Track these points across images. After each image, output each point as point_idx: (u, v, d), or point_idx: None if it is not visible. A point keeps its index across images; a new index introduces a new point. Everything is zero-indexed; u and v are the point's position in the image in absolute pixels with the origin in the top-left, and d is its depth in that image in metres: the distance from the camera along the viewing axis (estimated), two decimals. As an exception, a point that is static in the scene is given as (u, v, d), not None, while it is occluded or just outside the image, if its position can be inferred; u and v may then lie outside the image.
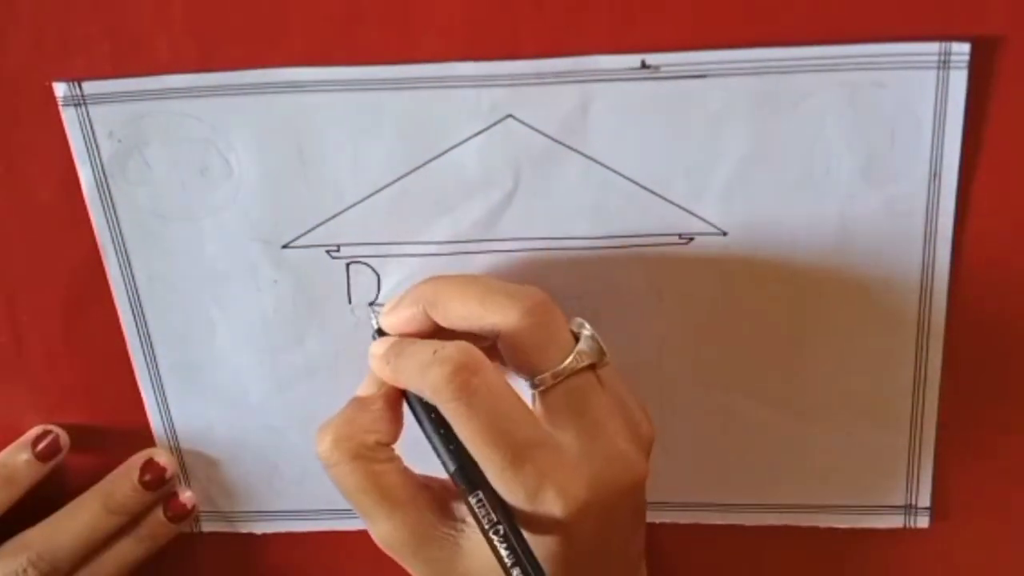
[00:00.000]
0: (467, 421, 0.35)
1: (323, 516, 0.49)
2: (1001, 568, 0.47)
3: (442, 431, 0.37)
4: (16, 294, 0.44)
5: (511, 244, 0.42)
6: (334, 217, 0.42)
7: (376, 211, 0.42)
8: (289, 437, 0.47)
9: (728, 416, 0.45)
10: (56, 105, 0.41)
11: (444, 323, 0.38)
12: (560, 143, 0.40)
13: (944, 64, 0.38)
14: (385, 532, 0.38)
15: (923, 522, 0.46)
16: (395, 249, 0.43)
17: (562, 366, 0.36)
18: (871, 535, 0.46)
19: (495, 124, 0.40)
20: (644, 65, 0.39)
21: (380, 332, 0.39)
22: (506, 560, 0.35)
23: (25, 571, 0.44)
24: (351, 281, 0.44)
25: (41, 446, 0.46)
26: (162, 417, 0.47)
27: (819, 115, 0.39)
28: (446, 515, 0.38)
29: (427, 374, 0.35)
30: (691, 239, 0.42)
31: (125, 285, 0.44)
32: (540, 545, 0.35)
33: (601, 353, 0.37)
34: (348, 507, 0.47)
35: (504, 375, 0.36)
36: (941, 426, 0.44)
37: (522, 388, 0.37)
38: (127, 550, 0.47)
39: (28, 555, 0.45)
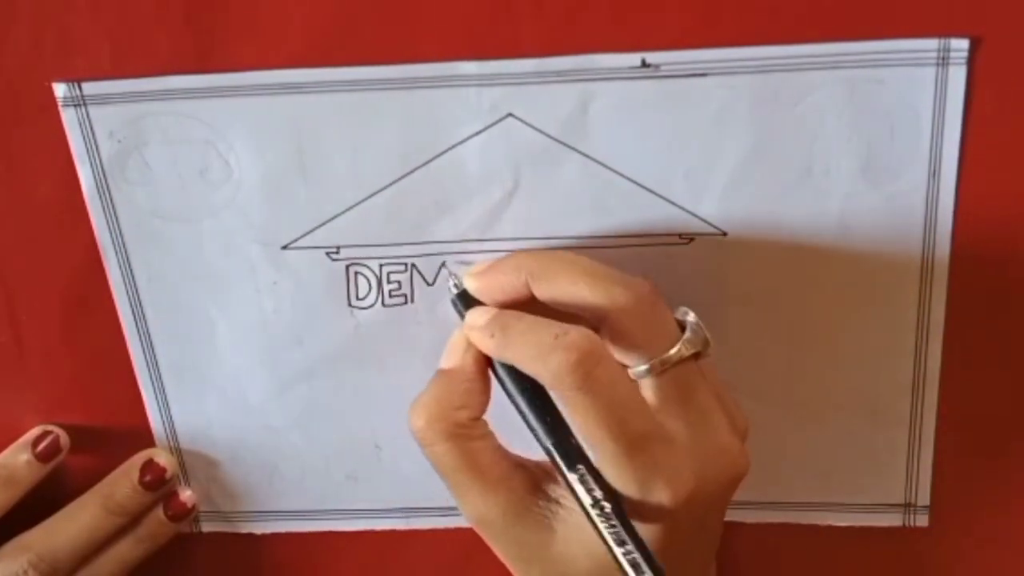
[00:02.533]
0: (587, 410, 0.34)
1: (323, 516, 0.49)
2: (1000, 567, 0.47)
3: (538, 404, 0.36)
4: (16, 294, 0.44)
5: (511, 244, 0.42)
6: (334, 218, 0.42)
7: (376, 212, 0.42)
8: (289, 437, 0.47)
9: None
10: (56, 105, 0.41)
11: (545, 297, 0.37)
12: (560, 142, 0.41)
13: (943, 60, 0.38)
14: (478, 510, 0.38)
15: (922, 521, 0.46)
16: (395, 250, 0.43)
17: (670, 353, 0.36)
18: (870, 533, 0.46)
19: (495, 123, 0.40)
20: (644, 64, 0.39)
21: (462, 296, 0.39)
22: (610, 537, 0.34)
23: (25, 572, 0.44)
24: (351, 283, 0.44)
25: (41, 447, 0.46)
26: (162, 417, 0.47)
27: (819, 113, 0.39)
28: (540, 495, 0.38)
29: (548, 359, 0.34)
30: (691, 239, 0.42)
31: (125, 285, 0.44)
32: (641, 530, 0.35)
33: (706, 343, 0.37)
34: (348, 507, 0.48)
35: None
36: (940, 425, 0.44)
37: None
38: (127, 550, 0.47)
39: (28, 556, 0.45)
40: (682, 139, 0.40)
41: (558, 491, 0.38)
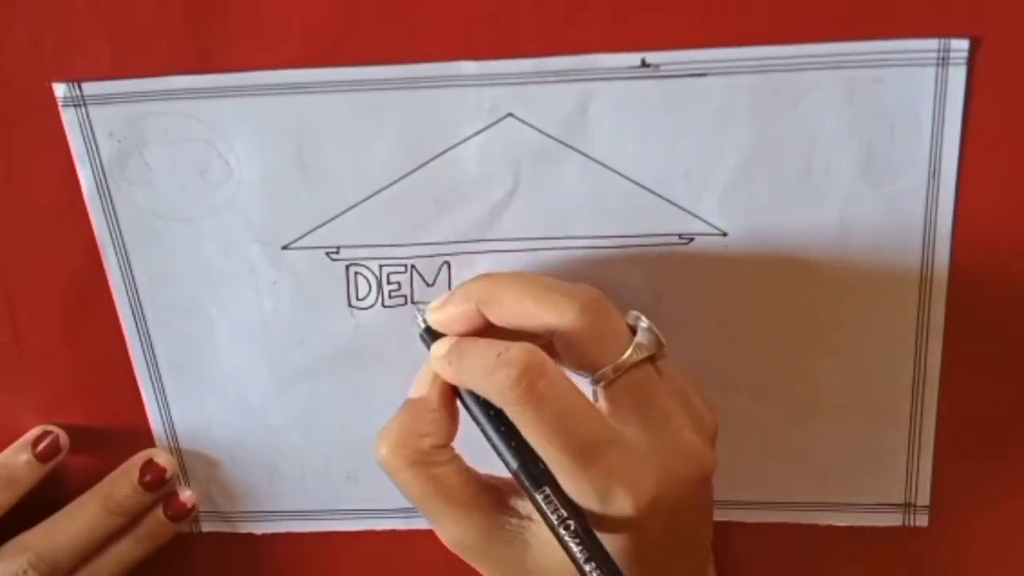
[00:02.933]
0: (534, 424, 0.35)
1: (323, 516, 0.49)
2: (999, 566, 0.47)
3: (502, 428, 0.36)
4: (16, 294, 0.44)
5: (511, 244, 0.42)
6: (334, 219, 0.42)
7: (376, 212, 0.42)
8: (289, 437, 0.47)
9: (728, 415, 0.44)
10: (56, 105, 0.41)
11: (497, 321, 0.37)
12: (560, 142, 0.41)
13: (943, 61, 0.38)
14: (452, 534, 0.38)
15: (922, 520, 0.46)
16: (395, 251, 0.43)
17: (621, 359, 0.36)
18: (870, 533, 0.46)
19: (495, 123, 0.40)
20: (644, 64, 0.39)
21: (428, 330, 0.39)
22: (578, 556, 0.34)
23: (25, 572, 0.44)
24: (351, 283, 0.44)
25: (41, 447, 0.46)
26: (162, 417, 0.47)
27: (819, 113, 0.39)
28: (511, 512, 0.38)
29: (492, 378, 0.35)
30: (691, 239, 0.42)
31: (125, 285, 0.44)
32: (610, 542, 0.35)
33: (659, 344, 0.37)
34: (347, 507, 0.48)
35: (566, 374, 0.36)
36: (940, 425, 0.44)
37: (582, 385, 0.37)
38: (127, 550, 0.47)
39: (28, 556, 0.45)
40: (682, 139, 0.40)
41: (527, 507, 0.38)
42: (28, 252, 0.44)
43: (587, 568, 0.34)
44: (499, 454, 0.37)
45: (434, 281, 0.43)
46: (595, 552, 0.34)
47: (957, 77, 0.38)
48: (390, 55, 0.40)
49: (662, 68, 0.39)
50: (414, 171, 0.41)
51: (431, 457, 0.38)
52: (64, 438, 0.46)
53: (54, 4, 0.40)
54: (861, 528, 0.46)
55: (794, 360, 0.44)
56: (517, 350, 0.35)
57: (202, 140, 0.41)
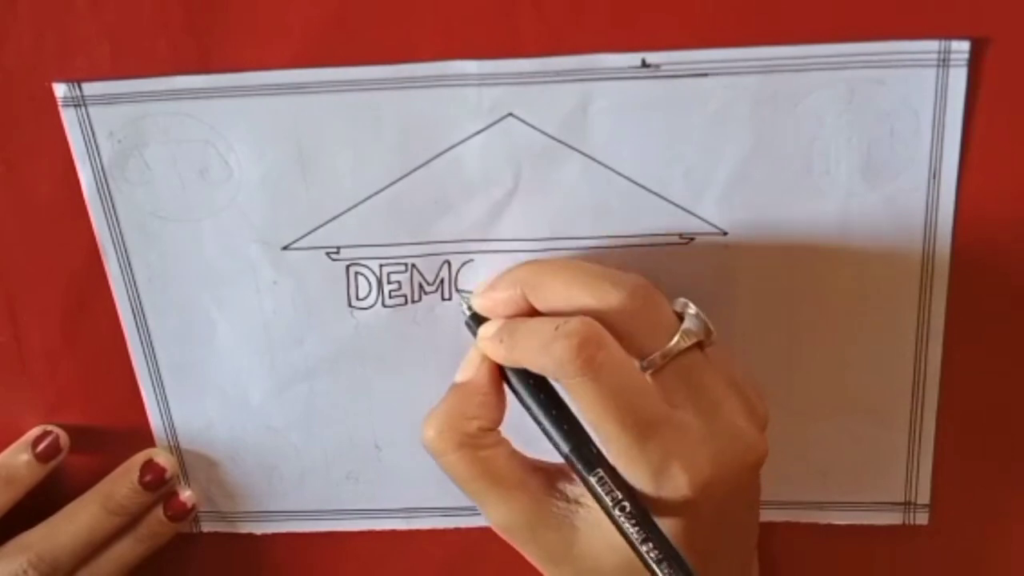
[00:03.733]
0: (592, 397, 0.34)
1: (323, 516, 0.49)
2: (999, 565, 0.47)
3: (553, 412, 0.36)
4: (16, 294, 0.44)
5: (511, 244, 0.42)
6: (334, 219, 0.42)
7: (376, 212, 0.42)
8: (289, 438, 0.47)
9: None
10: (56, 105, 0.41)
11: (543, 307, 0.37)
12: (560, 142, 0.40)
13: (944, 62, 0.38)
14: (500, 517, 0.38)
15: (922, 519, 0.46)
16: (395, 251, 0.43)
17: (669, 345, 0.36)
18: (870, 532, 0.47)
19: (495, 123, 0.40)
20: (645, 64, 0.39)
21: (474, 316, 0.40)
22: (635, 537, 0.34)
23: (25, 572, 0.44)
24: (351, 283, 0.44)
25: (41, 447, 0.46)
26: (162, 417, 0.47)
27: (819, 114, 0.39)
28: (559, 496, 0.38)
29: (551, 349, 0.35)
30: (691, 239, 0.42)
31: (125, 285, 0.44)
32: (664, 524, 0.35)
33: (707, 331, 0.37)
34: (348, 507, 0.48)
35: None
36: (940, 423, 0.44)
37: None
38: (127, 550, 0.47)
39: (28, 556, 0.45)
40: (682, 139, 0.40)
41: (576, 491, 0.38)
42: (28, 252, 0.44)
43: (644, 549, 0.34)
44: (549, 437, 0.37)
45: (434, 281, 0.43)
46: (652, 533, 0.34)
47: (958, 78, 0.38)
48: (390, 55, 0.40)
49: (663, 68, 0.39)
50: (414, 171, 0.41)
51: (478, 440, 0.38)
52: (64, 438, 0.46)
53: (54, 4, 0.40)
54: (861, 527, 0.47)
55: (794, 359, 0.44)
56: (576, 322, 0.35)
57: (202, 140, 0.41)
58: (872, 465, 0.45)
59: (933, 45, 0.38)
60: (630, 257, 0.42)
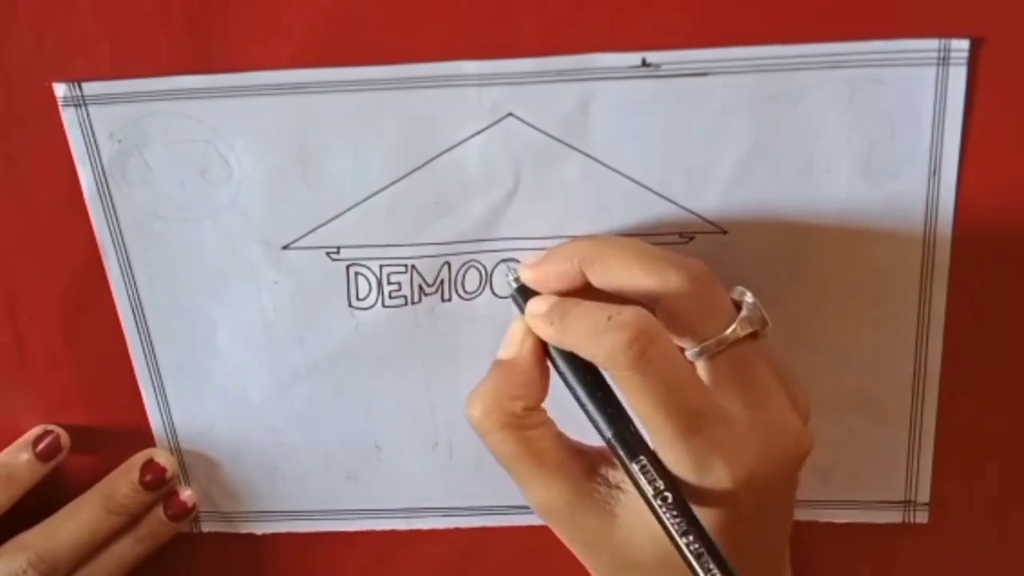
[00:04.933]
0: (641, 391, 0.34)
1: (323, 516, 0.49)
2: (999, 564, 0.47)
3: (598, 394, 0.36)
4: (16, 294, 0.44)
5: (512, 243, 0.42)
6: (334, 219, 0.42)
7: (376, 212, 0.42)
8: (289, 437, 0.47)
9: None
10: (56, 105, 0.41)
11: (598, 283, 0.37)
12: (561, 142, 0.41)
13: (944, 60, 0.38)
14: (541, 498, 0.38)
15: (922, 518, 0.46)
16: (396, 251, 0.43)
17: (726, 333, 0.36)
18: (870, 530, 0.47)
19: (496, 123, 0.40)
20: (645, 63, 0.39)
21: (520, 289, 0.39)
22: (673, 528, 0.34)
23: (25, 572, 0.44)
24: (351, 283, 0.44)
25: (42, 446, 0.45)
26: (162, 417, 0.47)
27: (819, 113, 0.39)
28: (601, 480, 0.38)
29: (602, 340, 0.34)
30: (691, 238, 0.42)
31: (125, 285, 0.44)
32: (704, 516, 0.35)
33: (764, 322, 0.37)
34: (348, 507, 0.48)
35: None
36: (940, 422, 0.44)
37: None
38: (127, 550, 0.47)
39: (28, 556, 0.45)
40: (682, 138, 0.40)
41: (618, 476, 0.38)
42: (28, 252, 0.44)
43: (683, 541, 0.34)
44: (592, 420, 0.36)
45: (434, 282, 0.43)
46: (692, 525, 0.34)
47: (958, 77, 0.38)
48: (390, 55, 0.40)
49: (663, 68, 0.39)
50: (414, 171, 0.41)
51: (523, 420, 0.38)
52: (65, 438, 0.46)
53: (54, 4, 0.40)
54: (861, 525, 0.47)
55: (795, 358, 0.44)
56: (630, 313, 0.34)
57: (202, 140, 0.41)
58: (872, 463, 0.45)
59: (933, 44, 0.38)
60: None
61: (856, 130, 0.39)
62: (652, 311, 0.36)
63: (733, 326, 0.36)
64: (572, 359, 0.37)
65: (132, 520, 0.47)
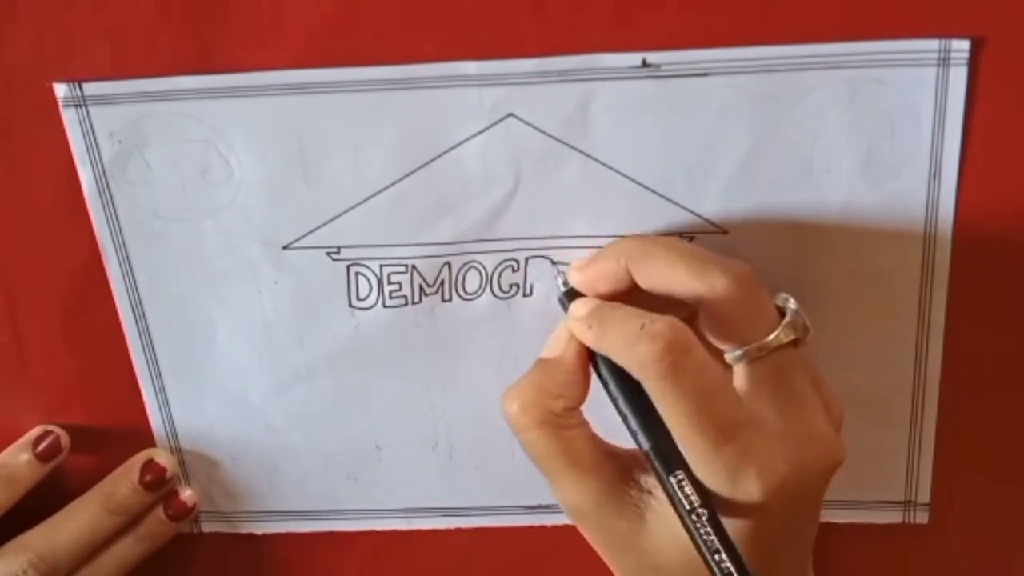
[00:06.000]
0: (674, 401, 0.34)
1: (323, 516, 0.49)
2: (999, 564, 0.47)
3: (639, 403, 0.36)
4: (16, 294, 0.44)
5: (512, 244, 0.42)
6: (335, 219, 0.42)
7: (377, 212, 0.42)
8: (289, 437, 0.47)
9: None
10: (56, 106, 0.41)
11: (644, 283, 0.37)
12: (561, 142, 0.41)
13: (944, 61, 0.38)
14: (572, 499, 0.38)
15: (922, 518, 0.46)
16: (396, 251, 0.43)
17: (769, 339, 0.36)
18: (870, 530, 0.47)
19: (496, 123, 0.40)
20: (645, 64, 0.39)
21: (568, 292, 0.39)
22: (707, 546, 0.34)
23: (25, 572, 0.44)
24: (351, 283, 0.44)
25: (42, 446, 0.45)
26: (162, 417, 0.47)
27: (819, 113, 0.39)
28: (633, 484, 0.38)
29: (634, 349, 0.34)
30: (692, 238, 0.42)
31: (125, 285, 0.44)
32: (734, 525, 0.35)
33: (805, 329, 0.37)
34: (348, 507, 0.48)
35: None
36: (941, 423, 0.44)
37: None
38: (127, 550, 0.47)
39: (28, 556, 0.45)
40: (682, 139, 0.40)
41: (650, 481, 0.38)
42: (28, 252, 0.44)
43: (714, 560, 0.34)
44: (631, 429, 0.36)
45: (435, 282, 0.43)
46: (723, 543, 0.34)
47: (958, 78, 0.38)
48: (391, 55, 0.40)
49: (663, 68, 0.39)
50: (415, 171, 0.41)
51: (561, 419, 0.38)
52: (65, 438, 0.46)
53: (54, 4, 0.40)
54: (861, 525, 0.47)
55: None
56: (663, 324, 0.34)
57: (202, 140, 0.41)
58: (872, 464, 0.45)
59: (933, 44, 0.38)
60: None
61: (856, 130, 0.39)
62: (697, 313, 0.36)
63: (776, 332, 0.36)
64: (614, 366, 0.36)
65: (132, 520, 0.47)
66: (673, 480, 0.34)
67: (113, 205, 0.42)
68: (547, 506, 0.47)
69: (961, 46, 0.38)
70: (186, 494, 0.48)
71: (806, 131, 0.40)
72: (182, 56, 0.40)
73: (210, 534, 0.50)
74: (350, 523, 0.49)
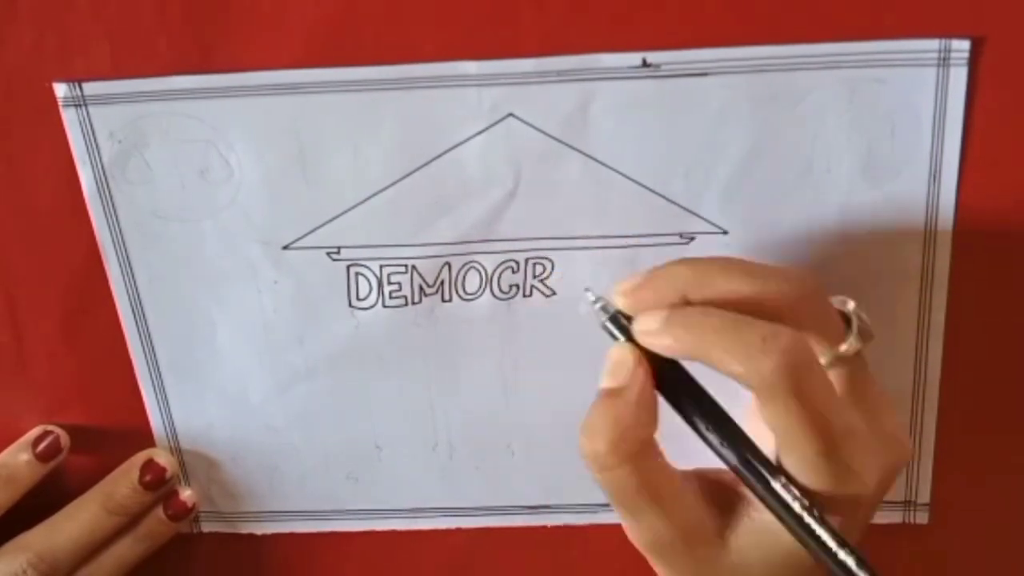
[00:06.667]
0: (797, 417, 0.33)
1: (323, 516, 0.49)
2: (999, 564, 0.47)
3: (719, 419, 0.35)
4: (16, 294, 0.44)
5: (512, 244, 0.42)
6: (335, 219, 0.42)
7: (377, 212, 0.42)
8: (289, 437, 0.47)
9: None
10: (56, 106, 0.41)
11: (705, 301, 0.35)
12: (561, 142, 0.41)
13: (944, 61, 0.38)
14: (656, 533, 0.36)
15: (922, 518, 0.46)
16: (396, 251, 0.43)
17: (843, 349, 0.36)
18: (870, 530, 0.46)
19: (496, 123, 0.40)
20: (645, 63, 0.39)
21: (614, 317, 0.36)
22: (829, 542, 0.33)
23: (24, 572, 0.44)
24: (351, 283, 0.44)
25: (42, 446, 0.45)
26: (162, 417, 0.47)
27: (819, 113, 0.39)
28: (710, 509, 0.37)
29: (759, 363, 0.32)
30: (692, 238, 0.42)
31: (125, 285, 0.44)
32: None
33: (870, 335, 0.37)
34: (348, 507, 0.48)
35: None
36: (941, 423, 0.44)
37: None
38: (126, 550, 0.47)
39: (27, 556, 0.45)
40: (682, 138, 0.40)
41: (725, 500, 0.37)
42: (28, 252, 0.44)
43: (842, 553, 0.33)
44: (712, 446, 0.35)
45: (435, 283, 0.43)
46: (833, 534, 0.33)
47: (958, 77, 0.38)
48: (391, 55, 0.40)
49: (663, 68, 0.39)
50: (415, 171, 0.41)
51: (647, 451, 0.36)
52: (65, 438, 0.46)
53: (54, 4, 0.40)
54: (861, 526, 0.47)
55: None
56: (788, 338, 0.33)
57: (202, 140, 0.41)
58: (872, 464, 0.45)
59: (933, 44, 0.38)
60: (630, 257, 0.42)
61: (856, 130, 0.40)
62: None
63: (850, 340, 0.36)
64: (687, 385, 0.35)
65: (132, 520, 0.47)
66: (778, 483, 0.34)
67: (113, 205, 0.42)
68: (547, 506, 0.47)
69: (961, 46, 0.38)
70: (186, 494, 0.48)
71: (806, 131, 0.40)
72: (182, 56, 0.40)
73: (210, 534, 0.50)
74: (350, 523, 0.49)
